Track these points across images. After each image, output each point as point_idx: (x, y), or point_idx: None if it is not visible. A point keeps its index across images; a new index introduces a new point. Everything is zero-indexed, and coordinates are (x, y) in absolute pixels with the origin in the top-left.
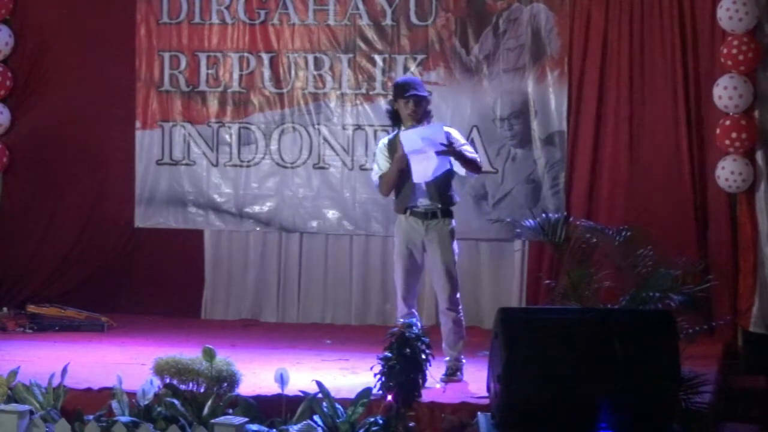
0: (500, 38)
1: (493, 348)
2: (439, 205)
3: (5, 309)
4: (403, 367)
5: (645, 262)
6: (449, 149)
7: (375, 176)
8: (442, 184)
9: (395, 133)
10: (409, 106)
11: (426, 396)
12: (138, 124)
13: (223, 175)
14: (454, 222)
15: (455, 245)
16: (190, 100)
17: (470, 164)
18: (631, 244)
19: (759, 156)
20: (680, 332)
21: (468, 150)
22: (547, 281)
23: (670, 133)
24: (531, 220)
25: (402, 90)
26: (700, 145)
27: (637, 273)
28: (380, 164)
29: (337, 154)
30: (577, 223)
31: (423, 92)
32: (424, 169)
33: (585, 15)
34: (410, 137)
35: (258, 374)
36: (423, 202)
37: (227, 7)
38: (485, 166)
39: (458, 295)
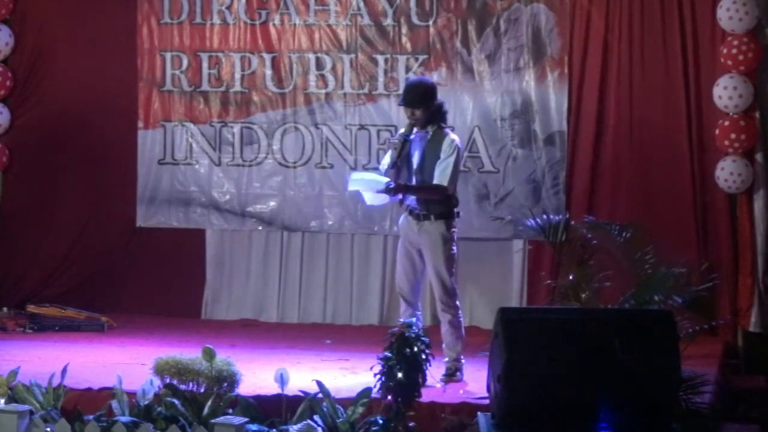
0: (501, 38)
1: (493, 348)
2: (424, 211)
3: (5, 309)
4: (403, 367)
5: (645, 262)
6: (390, 190)
7: (381, 168)
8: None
9: (411, 129)
10: (406, 112)
11: (426, 396)
12: (140, 123)
13: (226, 174)
14: (453, 224)
15: (453, 248)
16: (192, 99)
17: (425, 195)
18: (632, 243)
19: (759, 157)
20: (680, 332)
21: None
22: (548, 281)
23: (670, 133)
24: (531, 220)
25: (401, 97)
26: (700, 146)
27: (637, 273)
28: (387, 157)
29: (340, 154)
30: (578, 225)
31: (413, 105)
32: (372, 198)
33: (585, 15)
34: (356, 181)
35: (258, 374)
36: (413, 204)
37: (228, 8)
38: (486, 166)
39: (455, 298)
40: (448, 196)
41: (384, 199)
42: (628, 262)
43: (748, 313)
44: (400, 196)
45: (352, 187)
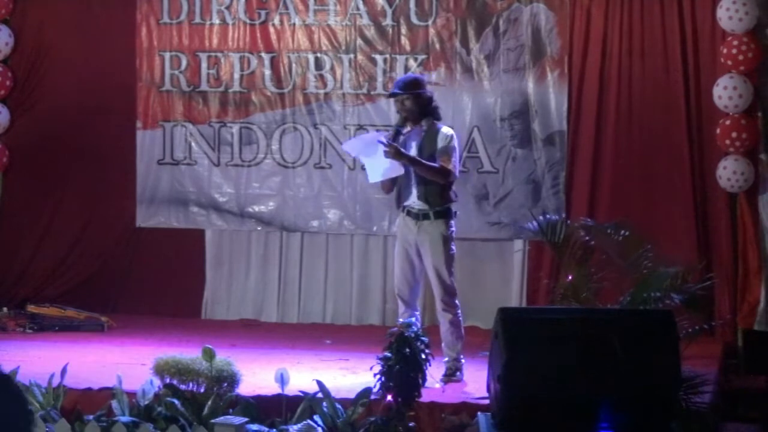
0: (500, 38)
1: (493, 348)
2: (427, 207)
3: (5, 309)
4: (403, 367)
5: (645, 262)
6: (392, 151)
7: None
8: (430, 187)
9: (406, 129)
10: (396, 104)
11: (426, 396)
12: (139, 124)
13: (225, 174)
14: (451, 224)
15: (452, 247)
16: (191, 100)
17: (429, 173)
18: (631, 243)
19: (763, 156)
20: (680, 332)
21: (439, 160)
22: (547, 281)
23: (670, 133)
24: (531, 223)
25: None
26: (700, 145)
27: (637, 272)
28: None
29: (338, 154)
30: (576, 224)
31: (402, 91)
32: (375, 169)
33: (585, 15)
34: (353, 145)
35: (258, 374)
36: (414, 203)
37: (228, 7)
38: (486, 167)
39: (455, 297)
40: (447, 185)
41: (387, 171)
42: (626, 262)
43: (753, 312)
44: (401, 169)
45: (349, 150)
